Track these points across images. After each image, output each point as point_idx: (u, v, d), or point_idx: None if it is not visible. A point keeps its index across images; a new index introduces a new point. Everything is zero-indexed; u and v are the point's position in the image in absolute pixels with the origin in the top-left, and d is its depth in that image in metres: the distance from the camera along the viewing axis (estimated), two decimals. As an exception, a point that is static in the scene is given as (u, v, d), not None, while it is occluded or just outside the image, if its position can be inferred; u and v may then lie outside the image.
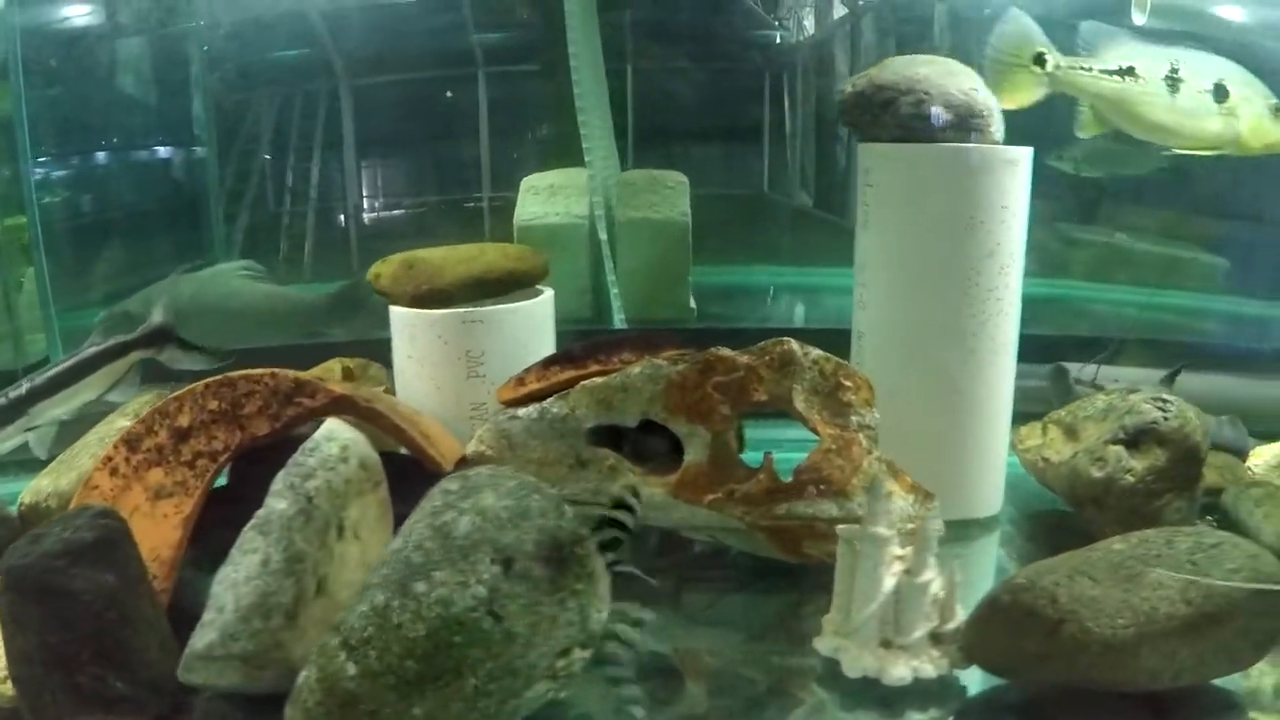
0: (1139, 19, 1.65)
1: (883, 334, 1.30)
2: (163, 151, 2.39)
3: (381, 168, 2.75)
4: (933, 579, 1.01)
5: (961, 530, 1.29)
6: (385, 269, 1.30)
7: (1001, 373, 1.29)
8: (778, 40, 3.05)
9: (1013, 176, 1.25)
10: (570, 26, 1.71)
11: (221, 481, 1.15)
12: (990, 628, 0.99)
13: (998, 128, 1.28)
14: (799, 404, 1.15)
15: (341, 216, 2.65)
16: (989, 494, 1.33)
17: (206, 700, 0.94)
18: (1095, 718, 1.00)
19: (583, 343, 1.24)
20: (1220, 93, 1.50)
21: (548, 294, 1.36)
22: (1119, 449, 1.21)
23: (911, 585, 1.01)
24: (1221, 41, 1.74)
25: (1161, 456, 1.20)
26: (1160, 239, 2.28)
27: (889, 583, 1.01)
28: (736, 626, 1.15)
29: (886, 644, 1.01)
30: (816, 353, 1.16)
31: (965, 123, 1.25)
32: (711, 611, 1.19)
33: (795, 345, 1.15)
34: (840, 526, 1.04)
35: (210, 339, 1.39)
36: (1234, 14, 1.99)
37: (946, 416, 1.28)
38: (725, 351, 1.15)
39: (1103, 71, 1.49)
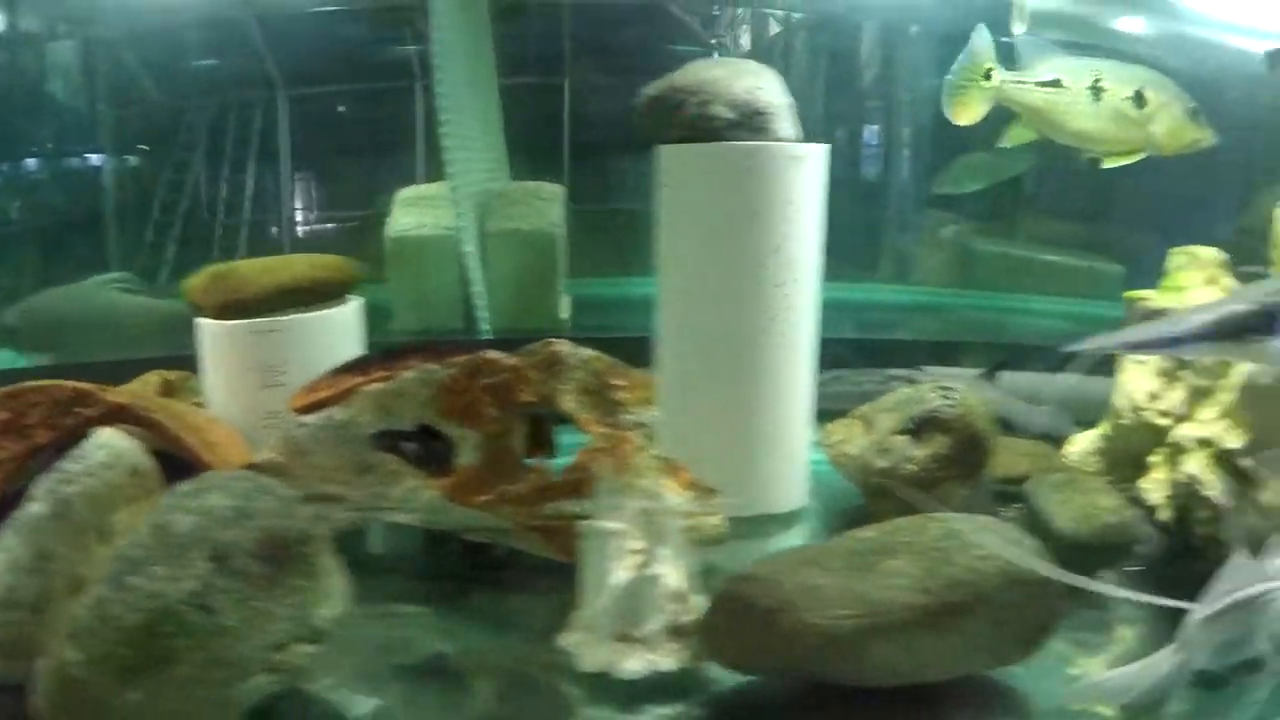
0: (1018, 29, 1.71)
1: (679, 333, 1.30)
2: (59, 163, 2.45)
3: (302, 180, 2.79)
4: (667, 572, 1.02)
5: (761, 526, 1.30)
6: (197, 281, 1.33)
7: (795, 368, 1.29)
8: (715, 57, 3.09)
9: (798, 173, 1.25)
10: (435, 40, 1.74)
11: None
12: (717, 620, 0.99)
13: (786, 126, 1.29)
14: (568, 404, 1.16)
15: (245, 228, 2.70)
16: (790, 489, 1.33)
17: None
18: (841, 713, 1.00)
19: (379, 351, 1.26)
20: (1140, 99, 1.57)
21: (353, 303, 1.38)
22: (903, 439, 1.20)
23: (642, 578, 1.01)
24: (1113, 53, 1.79)
25: (944, 444, 1.19)
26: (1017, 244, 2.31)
27: (620, 576, 1.01)
28: (513, 625, 1.16)
29: (625, 637, 1.02)
30: (588, 353, 1.17)
31: (749, 121, 1.25)
32: (495, 611, 1.20)
33: (563, 346, 1.16)
34: (582, 523, 1.04)
35: (82, 350, 1.43)
36: (1129, 25, 2.03)
37: (741, 413, 1.28)
38: (493, 354, 1.17)
39: (1037, 84, 1.58)
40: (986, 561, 0.98)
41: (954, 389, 1.21)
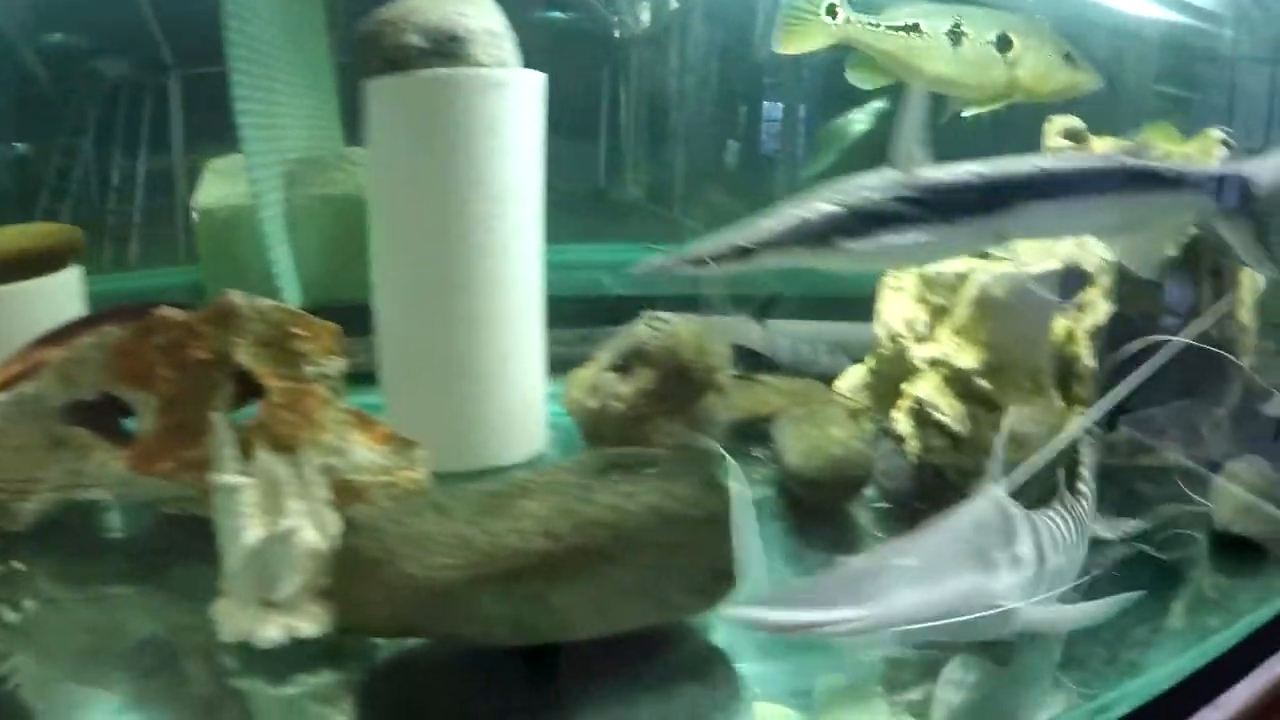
0: None
1: (393, 280, 1.22)
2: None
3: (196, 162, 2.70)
4: (298, 528, 0.94)
5: (487, 479, 1.21)
6: (-92, 261, 1.28)
7: (514, 309, 1.20)
8: (615, 35, 3.03)
9: (501, 102, 1.16)
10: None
11: None
12: (338, 576, 0.90)
13: (490, 51, 1.19)
14: (245, 358, 1.09)
15: (138, 214, 2.61)
16: (522, 439, 1.23)
17: None
18: (499, 677, 0.91)
19: (80, 318, 1.20)
20: (1004, 43, 1.48)
21: (66, 274, 1.32)
22: (611, 376, 1.11)
23: (273, 537, 0.93)
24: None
25: (650, 378, 1.09)
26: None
27: (250, 536, 0.93)
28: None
29: (266, 603, 0.94)
30: (266, 303, 1.10)
31: (442, 48, 1.16)
32: (200, 585, 1.12)
33: (238, 297, 1.09)
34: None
35: None
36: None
37: (459, 361, 1.19)
38: (166, 310, 1.10)
39: (889, 28, 1.51)
40: (635, 499, 0.89)
41: (666, 321, 1.11)
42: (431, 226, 1.16)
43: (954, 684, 0.91)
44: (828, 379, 1.36)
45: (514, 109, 1.17)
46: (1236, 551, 1.15)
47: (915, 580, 0.78)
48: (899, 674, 0.93)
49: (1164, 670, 0.95)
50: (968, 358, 1.03)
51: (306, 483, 0.96)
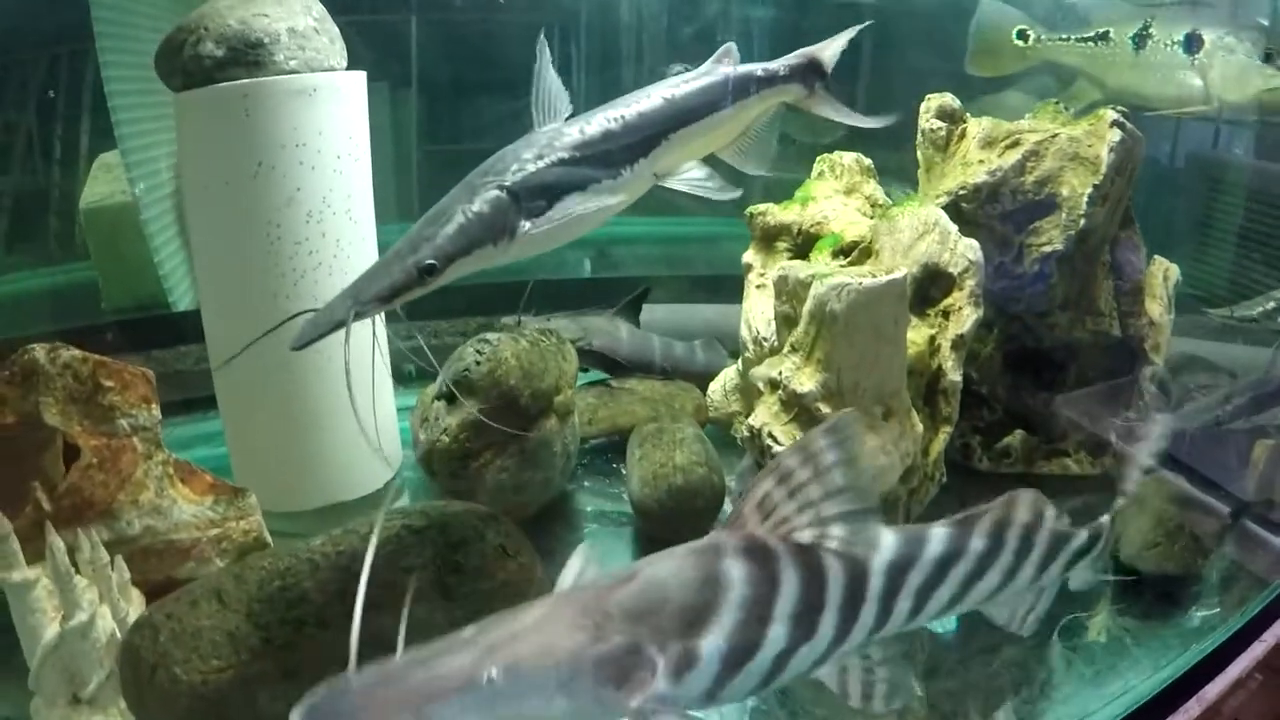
0: None
1: (213, 310, 1.14)
2: None
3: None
4: (91, 616, 0.89)
5: (337, 516, 1.14)
6: None
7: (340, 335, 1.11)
8: None
9: (308, 109, 1.06)
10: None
11: None
12: (122, 678, 0.86)
13: (299, 55, 1.08)
14: (53, 418, 1.03)
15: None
16: (367, 467, 1.16)
17: None
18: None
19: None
20: (1191, 43, 1.33)
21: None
22: (440, 405, 1.04)
23: (68, 632, 0.88)
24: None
25: (476, 409, 1.01)
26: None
27: (49, 633, 0.89)
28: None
29: (75, 700, 0.90)
30: (70, 355, 1.03)
31: (242, 56, 1.06)
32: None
33: (40, 352, 1.02)
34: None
35: None
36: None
37: (289, 394, 1.12)
38: (-39, 379, 1.03)
39: (1079, 40, 1.43)
40: (418, 574, 0.84)
41: (490, 342, 1.03)
42: (247, 251, 1.08)
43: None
44: (706, 378, 1.27)
45: (326, 115, 1.07)
46: (1147, 591, 1.01)
47: (485, 702, 0.54)
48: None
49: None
50: (805, 379, 0.93)
51: (97, 566, 0.91)
